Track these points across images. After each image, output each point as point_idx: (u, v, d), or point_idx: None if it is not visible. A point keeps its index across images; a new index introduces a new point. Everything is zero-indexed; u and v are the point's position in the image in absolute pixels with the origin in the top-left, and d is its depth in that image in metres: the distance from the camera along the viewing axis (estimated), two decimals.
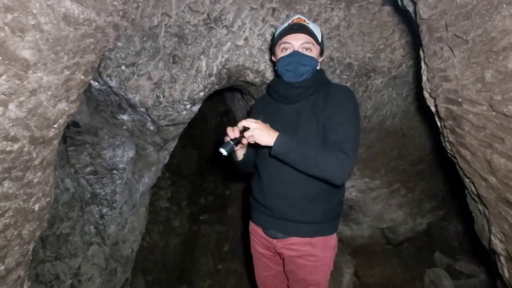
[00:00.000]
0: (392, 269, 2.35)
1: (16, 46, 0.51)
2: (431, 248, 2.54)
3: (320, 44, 1.17)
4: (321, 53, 1.20)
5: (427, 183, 2.53)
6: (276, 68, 1.23)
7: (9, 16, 0.49)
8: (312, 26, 1.16)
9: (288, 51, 1.13)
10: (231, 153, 1.18)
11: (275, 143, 1.02)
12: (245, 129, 1.06)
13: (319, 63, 1.19)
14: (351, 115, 1.08)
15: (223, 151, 1.04)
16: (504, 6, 0.74)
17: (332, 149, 1.02)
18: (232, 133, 1.07)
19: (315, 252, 1.16)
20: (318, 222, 1.15)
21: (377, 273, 2.32)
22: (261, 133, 1.02)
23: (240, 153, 1.25)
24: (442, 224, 2.61)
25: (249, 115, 1.42)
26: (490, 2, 0.77)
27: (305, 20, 1.16)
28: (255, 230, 1.30)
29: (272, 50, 1.28)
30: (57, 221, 1.75)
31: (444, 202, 2.62)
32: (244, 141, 1.08)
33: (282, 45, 1.15)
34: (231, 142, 1.05)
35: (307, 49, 1.12)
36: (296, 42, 1.12)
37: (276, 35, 1.23)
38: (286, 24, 1.18)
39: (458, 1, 0.84)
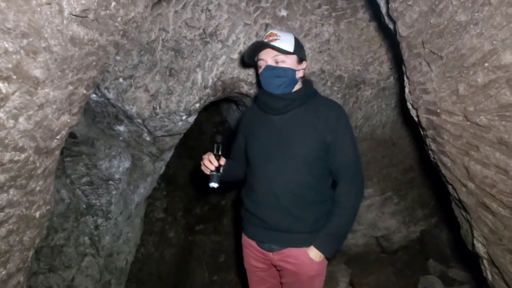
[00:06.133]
0: (386, 277, 2.36)
1: (29, 66, 0.56)
2: (425, 256, 2.56)
3: (295, 53, 1.18)
4: (300, 60, 1.21)
5: (419, 191, 2.58)
6: None
7: (25, 41, 0.55)
8: (283, 38, 1.17)
9: (263, 67, 1.19)
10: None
11: (325, 251, 1.18)
12: (216, 151, 1.16)
13: (299, 71, 1.20)
14: (351, 134, 1.20)
15: (215, 185, 1.11)
16: (471, 26, 0.82)
17: (347, 189, 1.17)
18: (212, 164, 1.15)
19: (311, 263, 1.17)
20: (311, 231, 1.17)
21: (372, 282, 2.33)
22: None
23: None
24: (435, 231, 2.65)
25: (238, 125, 1.45)
26: (459, 23, 0.84)
27: (276, 34, 1.18)
28: (249, 243, 1.30)
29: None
30: (52, 232, 1.74)
31: (436, 210, 2.67)
32: (222, 162, 1.18)
33: (258, 62, 1.21)
34: (216, 173, 1.13)
35: (279, 61, 1.16)
36: (267, 57, 1.17)
37: (250, 53, 1.28)
38: (254, 42, 1.25)
39: (431, 21, 0.92)
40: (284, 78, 1.17)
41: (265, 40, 1.18)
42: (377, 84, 2.10)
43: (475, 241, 1.06)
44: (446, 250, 2.53)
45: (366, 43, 1.96)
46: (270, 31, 1.22)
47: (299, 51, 1.20)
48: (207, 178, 1.16)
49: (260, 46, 1.18)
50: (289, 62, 1.17)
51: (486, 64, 0.81)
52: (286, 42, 1.18)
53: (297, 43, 1.20)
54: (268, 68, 1.17)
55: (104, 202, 1.85)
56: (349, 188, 1.17)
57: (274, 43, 1.16)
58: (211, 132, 3.33)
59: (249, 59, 1.25)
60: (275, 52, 1.16)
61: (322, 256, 1.17)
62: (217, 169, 1.15)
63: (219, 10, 1.72)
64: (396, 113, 2.29)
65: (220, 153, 1.17)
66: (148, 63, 1.73)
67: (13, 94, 0.56)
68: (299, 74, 1.20)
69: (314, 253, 1.16)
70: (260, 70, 1.21)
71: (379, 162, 2.41)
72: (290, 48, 1.17)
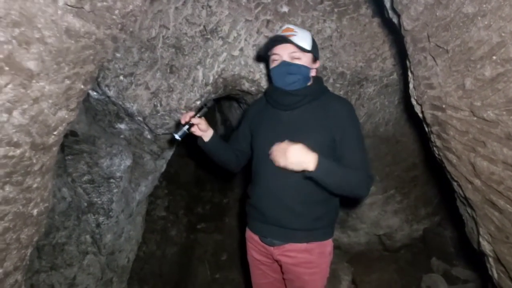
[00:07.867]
0: (389, 275, 2.34)
1: (22, 57, 0.55)
2: (428, 254, 2.54)
3: (312, 51, 1.16)
4: (315, 59, 1.20)
5: (422, 189, 2.56)
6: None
7: (17, 30, 0.53)
8: (301, 35, 1.15)
9: (277, 62, 1.16)
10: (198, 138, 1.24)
11: (318, 167, 0.99)
12: (199, 111, 1.17)
13: (313, 70, 1.19)
14: (360, 133, 1.16)
15: (177, 136, 1.13)
16: (479, 18, 0.79)
17: (358, 170, 1.08)
18: (186, 117, 1.15)
19: (312, 259, 1.16)
20: (312, 228, 1.16)
21: (375, 280, 2.31)
22: (296, 154, 0.98)
23: (206, 137, 1.23)
24: (438, 230, 2.63)
25: (244, 115, 1.43)
26: (466, 15, 0.82)
27: (293, 29, 1.16)
28: (252, 237, 1.30)
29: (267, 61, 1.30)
30: (53, 230, 1.74)
31: (439, 208, 2.65)
32: (194, 128, 1.17)
33: (272, 57, 1.18)
34: (184, 127, 1.14)
35: (295, 58, 1.13)
36: (284, 52, 1.14)
37: (268, 47, 1.24)
38: (273, 36, 1.21)
39: (437, 14, 0.90)
40: (298, 76, 1.14)
41: (283, 35, 1.14)
42: (380, 81, 2.07)
43: (480, 239, 1.04)
44: (449, 248, 2.51)
45: (369, 39, 1.94)
46: (286, 26, 1.18)
47: (315, 50, 1.18)
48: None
49: (280, 40, 1.14)
50: (305, 60, 1.15)
51: (494, 57, 0.78)
52: (304, 39, 1.14)
53: (314, 42, 1.18)
54: (283, 64, 1.14)
55: (106, 200, 1.84)
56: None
57: (293, 39, 1.12)
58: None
59: (265, 53, 1.22)
60: (293, 49, 1.12)
61: (312, 162, 0.99)
62: (189, 125, 1.16)
63: (220, 6, 1.70)
64: (399, 110, 2.27)
65: (199, 115, 1.19)
66: (149, 61, 1.72)
67: (5, 86, 0.54)
68: (312, 73, 1.19)
69: (310, 157, 0.99)
70: (273, 65, 1.18)
71: (382, 159, 2.39)
72: (308, 46, 1.14)
